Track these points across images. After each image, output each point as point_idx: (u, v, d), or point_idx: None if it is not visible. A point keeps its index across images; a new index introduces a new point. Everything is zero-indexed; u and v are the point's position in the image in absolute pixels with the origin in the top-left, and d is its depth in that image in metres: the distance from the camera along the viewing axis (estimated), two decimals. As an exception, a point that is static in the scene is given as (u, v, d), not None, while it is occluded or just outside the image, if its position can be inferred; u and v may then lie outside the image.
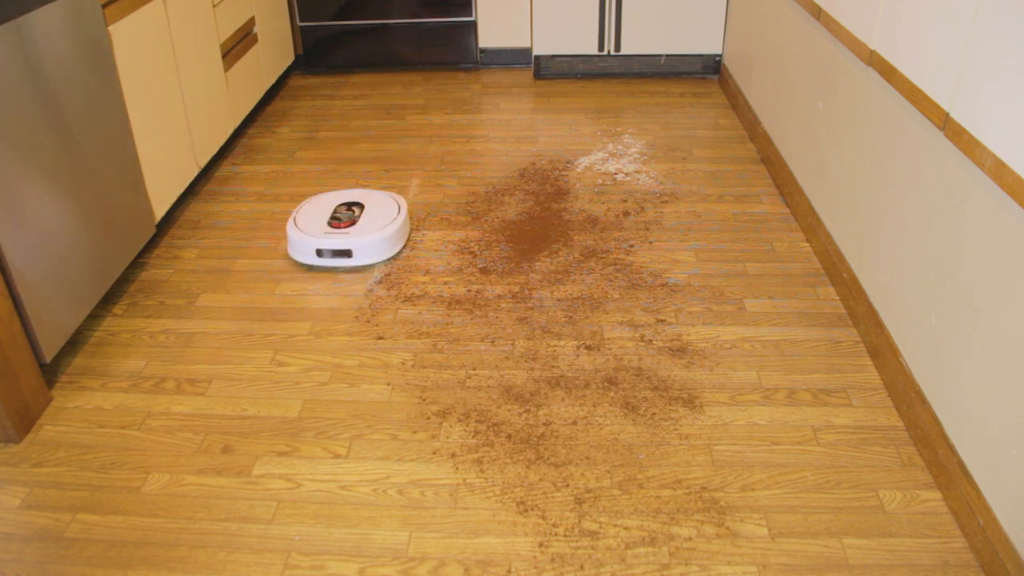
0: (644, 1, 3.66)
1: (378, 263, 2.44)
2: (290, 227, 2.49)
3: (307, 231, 2.45)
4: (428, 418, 1.88)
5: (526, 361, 2.05)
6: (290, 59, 3.87)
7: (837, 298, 2.26)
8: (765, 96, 3.06)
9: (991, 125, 1.49)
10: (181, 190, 2.68)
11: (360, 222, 2.50)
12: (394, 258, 2.47)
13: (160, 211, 2.52)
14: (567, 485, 1.70)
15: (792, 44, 2.73)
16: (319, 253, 2.42)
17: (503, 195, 2.84)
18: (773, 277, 2.36)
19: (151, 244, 2.60)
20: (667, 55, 3.81)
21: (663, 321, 2.18)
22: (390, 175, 3.00)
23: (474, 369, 2.03)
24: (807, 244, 2.51)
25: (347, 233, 2.45)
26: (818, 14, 2.40)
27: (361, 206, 2.58)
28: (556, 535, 1.59)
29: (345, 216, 2.52)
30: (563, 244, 2.53)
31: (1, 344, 1.75)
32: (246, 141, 3.31)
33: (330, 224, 2.48)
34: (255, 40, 3.36)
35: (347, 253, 2.41)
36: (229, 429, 1.87)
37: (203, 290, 2.37)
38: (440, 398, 1.94)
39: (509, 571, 1.52)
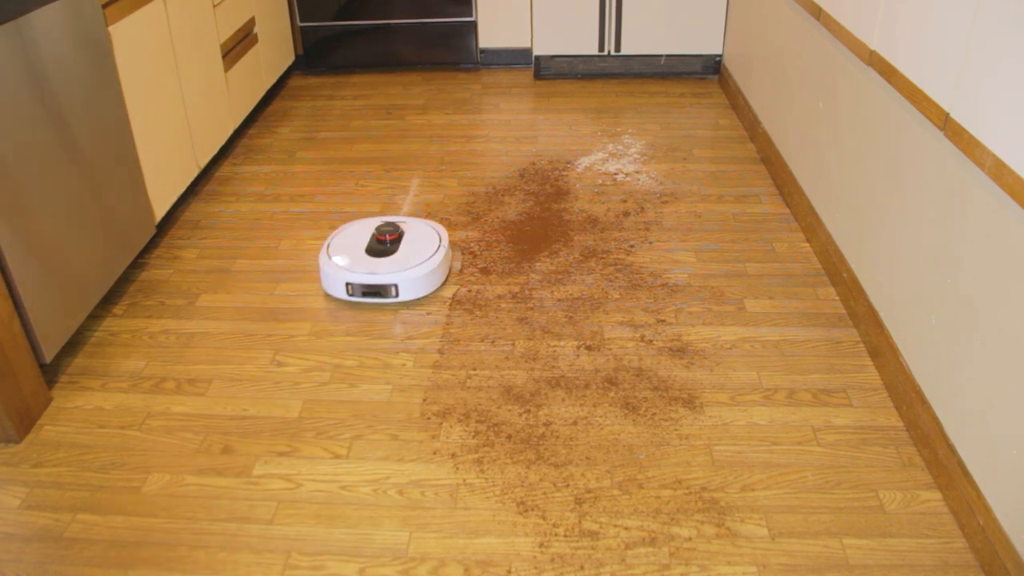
0: (644, 1, 3.66)
1: (420, 298, 2.25)
2: (322, 257, 2.30)
3: (340, 262, 2.27)
4: (428, 418, 1.88)
5: (526, 361, 2.05)
6: (290, 59, 3.87)
7: (837, 298, 2.26)
8: (765, 96, 3.06)
9: (991, 125, 1.49)
10: (181, 190, 2.68)
11: (400, 251, 2.30)
12: (436, 292, 2.29)
13: (160, 211, 2.52)
14: (567, 485, 1.70)
15: (792, 44, 2.73)
16: (350, 290, 2.21)
17: (503, 195, 2.84)
18: (773, 277, 2.36)
19: (151, 244, 2.60)
20: (667, 55, 3.81)
21: (663, 321, 2.18)
22: (390, 175, 3.00)
23: (474, 369, 2.03)
24: (807, 244, 2.51)
25: (385, 264, 2.26)
26: (818, 14, 2.40)
27: (399, 234, 2.37)
28: (556, 535, 1.59)
29: (381, 246, 2.33)
30: (563, 244, 2.53)
31: (1, 344, 1.75)
32: (246, 141, 3.31)
33: (368, 252, 2.30)
34: (255, 40, 3.36)
35: (383, 291, 2.21)
36: (229, 429, 1.87)
37: (203, 290, 2.37)
38: (440, 398, 1.94)
39: (509, 571, 1.52)
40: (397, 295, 2.21)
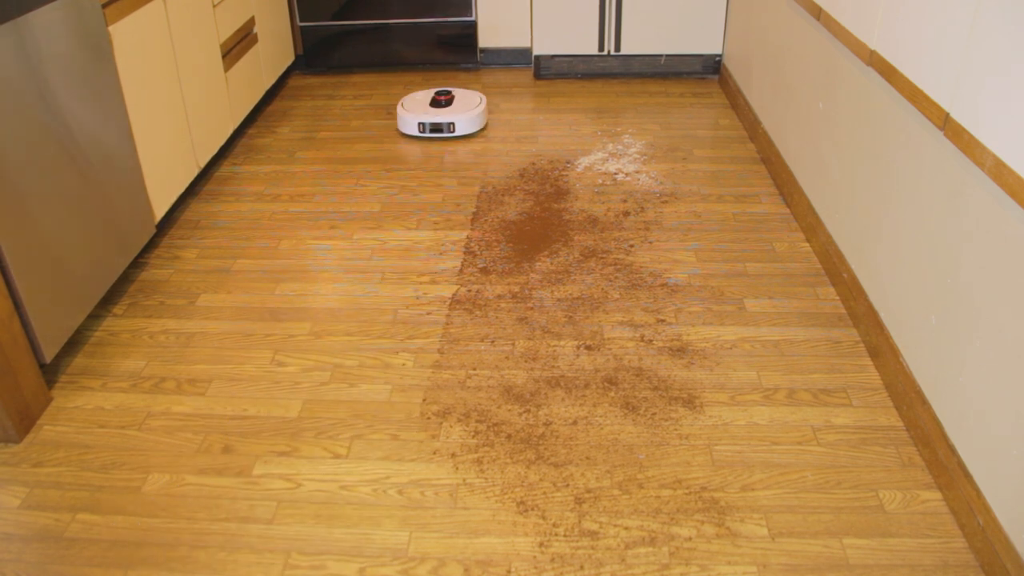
0: (644, 1, 3.66)
1: (470, 133, 3.25)
2: (399, 108, 3.33)
3: (412, 111, 3.28)
4: (428, 418, 1.88)
5: (526, 361, 2.05)
6: (290, 59, 3.87)
7: (837, 298, 2.26)
8: (765, 96, 3.06)
9: (991, 125, 1.49)
10: (181, 190, 2.68)
11: (454, 105, 3.31)
12: (480, 131, 3.28)
13: (160, 211, 2.52)
14: (567, 485, 1.70)
15: (792, 44, 2.73)
16: (421, 127, 3.22)
17: (503, 195, 2.84)
18: (773, 277, 2.36)
19: (151, 244, 2.60)
20: (667, 55, 3.81)
21: (663, 321, 2.18)
22: (390, 175, 3.00)
23: (474, 369, 2.03)
24: (807, 244, 2.51)
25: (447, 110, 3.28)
26: (818, 14, 2.40)
27: (452, 95, 3.37)
28: (556, 535, 1.59)
29: (442, 102, 3.32)
30: (563, 244, 2.53)
31: (1, 344, 1.75)
32: (246, 141, 3.31)
33: (431, 105, 3.33)
34: (255, 40, 3.36)
35: (448, 127, 3.23)
36: (229, 429, 1.87)
37: (203, 290, 2.37)
38: (440, 398, 1.94)
39: (509, 571, 1.52)
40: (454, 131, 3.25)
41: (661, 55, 3.81)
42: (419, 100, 3.38)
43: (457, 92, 3.43)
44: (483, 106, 3.29)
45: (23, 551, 1.59)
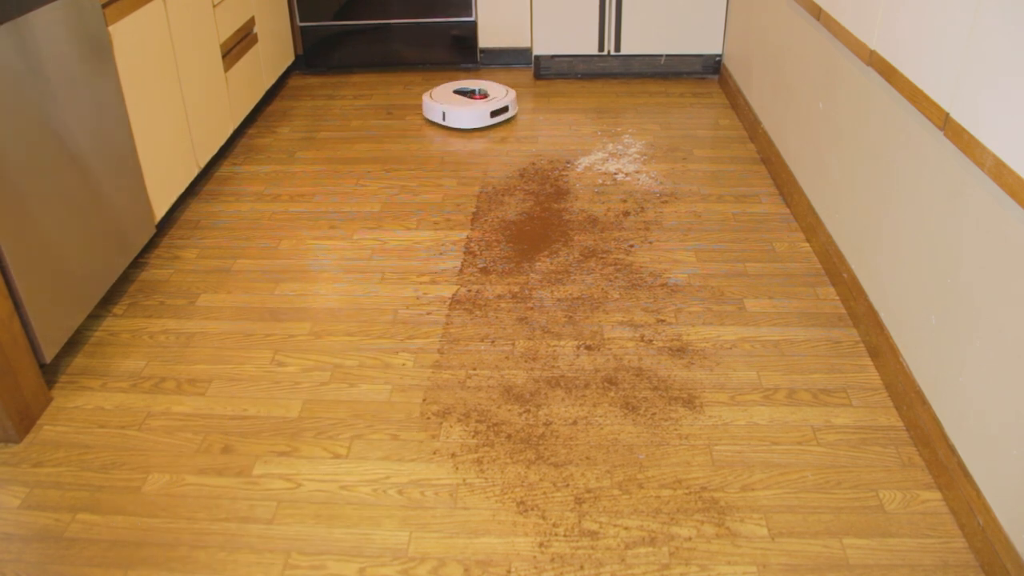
0: (644, 1, 3.66)
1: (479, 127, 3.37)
2: (425, 97, 3.47)
3: (438, 99, 3.44)
4: (428, 418, 1.88)
5: (526, 361, 2.05)
6: (290, 59, 3.87)
7: (837, 298, 2.26)
8: (765, 96, 3.06)
9: (991, 125, 1.49)
10: (181, 190, 2.68)
11: (481, 97, 3.46)
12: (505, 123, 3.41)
13: (160, 211, 2.52)
14: (567, 485, 1.70)
15: (792, 44, 2.73)
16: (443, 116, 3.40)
17: (503, 195, 2.84)
18: (773, 277, 2.36)
19: (151, 244, 2.60)
20: (667, 55, 3.81)
21: (663, 321, 2.18)
22: (390, 175, 3.00)
23: (474, 369, 2.03)
24: (807, 244, 2.51)
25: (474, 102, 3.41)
26: (818, 14, 2.40)
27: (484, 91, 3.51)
28: (556, 535, 1.59)
29: (473, 93, 3.49)
30: (563, 244, 2.53)
31: (1, 344, 1.75)
32: (246, 141, 3.31)
33: (460, 94, 3.48)
34: (255, 40, 3.36)
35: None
36: (229, 429, 1.87)
37: (203, 290, 2.37)
38: (440, 398, 1.94)
39: (509, 571, 1.52)
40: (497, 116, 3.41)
41: (661, 55, 3.81)
42: (445, 90, 3.51)
43: (490, 87, 3.52)
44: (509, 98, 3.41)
45: (23, 551, 1.59)
